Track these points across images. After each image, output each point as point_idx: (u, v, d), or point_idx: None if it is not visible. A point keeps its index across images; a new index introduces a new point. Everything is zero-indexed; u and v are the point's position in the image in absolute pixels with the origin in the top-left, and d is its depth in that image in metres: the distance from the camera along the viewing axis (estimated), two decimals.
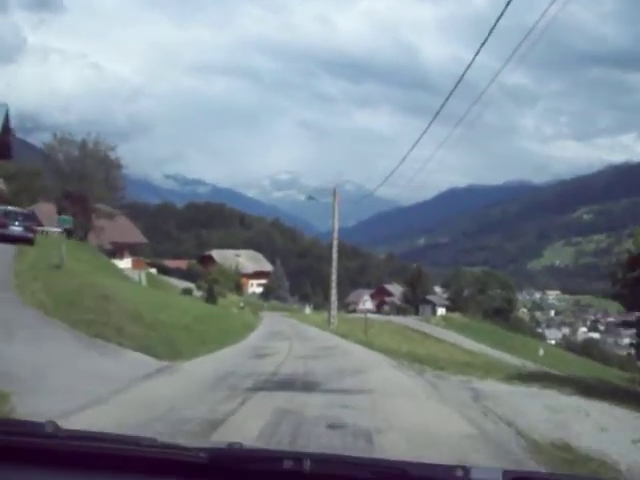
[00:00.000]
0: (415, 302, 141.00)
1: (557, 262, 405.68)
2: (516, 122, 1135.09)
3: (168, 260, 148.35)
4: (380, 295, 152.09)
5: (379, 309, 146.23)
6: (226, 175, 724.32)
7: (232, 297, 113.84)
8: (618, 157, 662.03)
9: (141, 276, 76.70)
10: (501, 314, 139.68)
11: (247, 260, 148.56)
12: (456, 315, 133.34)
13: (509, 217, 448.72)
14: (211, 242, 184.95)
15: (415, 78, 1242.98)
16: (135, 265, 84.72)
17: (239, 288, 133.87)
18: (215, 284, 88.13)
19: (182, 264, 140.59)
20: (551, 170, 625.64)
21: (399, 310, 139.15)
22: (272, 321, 68.42)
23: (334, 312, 61.61)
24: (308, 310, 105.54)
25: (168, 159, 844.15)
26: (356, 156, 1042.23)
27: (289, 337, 40.48)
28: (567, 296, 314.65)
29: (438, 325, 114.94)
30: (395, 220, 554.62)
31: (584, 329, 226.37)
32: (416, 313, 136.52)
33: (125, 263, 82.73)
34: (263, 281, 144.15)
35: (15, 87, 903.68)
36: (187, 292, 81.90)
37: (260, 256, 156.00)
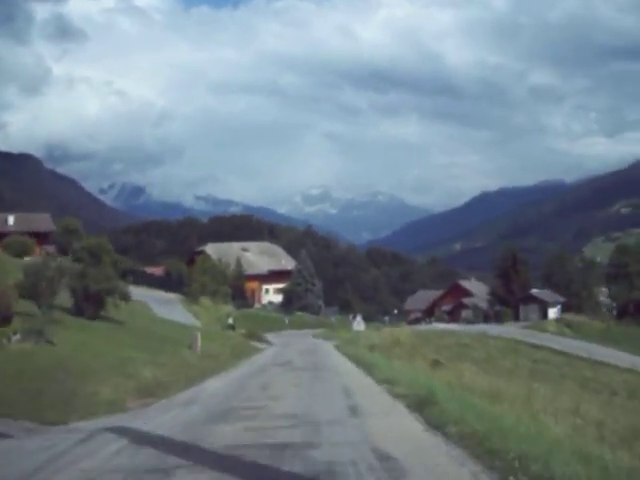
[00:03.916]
0: (512, 302, 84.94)
1: (598, 258, 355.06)
2: (544, 122, 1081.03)
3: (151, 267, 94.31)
4: (455, 296, 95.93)
5: (455, 316, 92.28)
6: (257, 194, 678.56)
7: (225, 308, 61.93)
8: None
9: None
10: None
11: (258, 255, 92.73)
12: (578, 317, 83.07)
13: (545, 217, 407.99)
14: None
15: (440, 84, 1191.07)
16: None
17: (244, 297, 78.90)
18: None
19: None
20: (583, 168, 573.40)
21: (486, 315, 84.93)
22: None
23: None
24: (360, 324, 48.66)
25: (198, 181, 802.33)
26: (386, 166, 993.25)
27: None
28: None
29: (563, 335, 71.49)
30: (429, 228, 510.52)
31: None
32: (515, 318, 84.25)
33: None
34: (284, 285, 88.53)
35: (42, 118, 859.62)
36: None
37: (279, 250, 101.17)
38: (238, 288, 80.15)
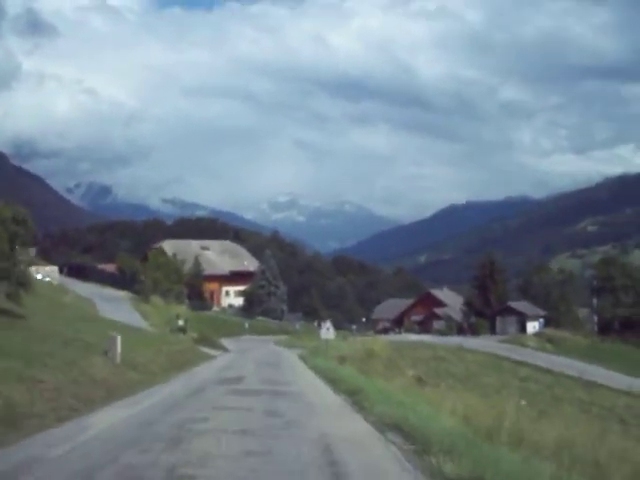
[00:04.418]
0: (489, 314, 78.70)
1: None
2: (514, 137, 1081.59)
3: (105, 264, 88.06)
4: (426, 306, 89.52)
5: (426, 326, 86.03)
6: (224, 198, 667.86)
7: (178, 308, 55.24)
8: (615, 169, 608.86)
9: None
10: (633, 327, 77.39)
11: (219, 255, 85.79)
12: (561, 332, 76.84)
13: (511, 232, 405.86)
14: None
15: (412, 95, 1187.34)
16: None
17: (202, 298, 71.96)
18: None
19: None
20: (550, 184, 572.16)
21: (460, 327, 78.80)
22: None
23: None
24: (329, 331, 40.02)
25: (165, 183, 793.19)
26: (355, 176, 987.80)
27: None
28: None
29: (545, 350, 66.22)
30: (395, 239, 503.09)
31: None
32: (492, 330, 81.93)
33: None
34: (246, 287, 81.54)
35: (11, 114, 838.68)
36: None
37: (242, 250, 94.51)
38: (195, 288, 73.08)
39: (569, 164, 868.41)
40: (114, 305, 54.76)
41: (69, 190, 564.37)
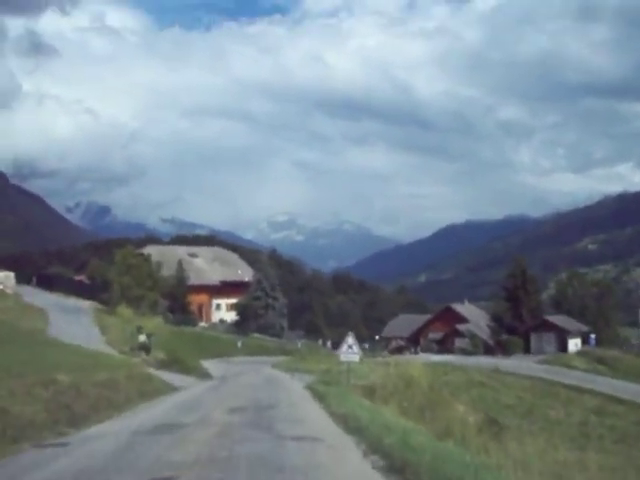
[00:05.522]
0: (521, 330, 66.00)
1: None
2: (512, 156, 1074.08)
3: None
4: (446, 322, 76.51)
5: (446, 345, 73.60)
6: (224, 218, 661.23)
7: (151, 321, 42.26)
8: (615, 188, 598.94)
9: None
10: None
11: (209, 262, 73.26)
12: (609, 351, 65.75)
13: (512, 250, 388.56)
14: None
15: (410, 114, 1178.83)
16: None
17: (188, 311, 59.34)
18: None
19: None
20: (549, 203, 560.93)
21: (487, 347, 65.83)
22: None
23: None
24: (353, 350, 26.28)
25: (165, 203, 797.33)
26: (353, 195, 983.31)
27: None
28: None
29: (598, 373, 55.11)
30: (395, 258, 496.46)
31: None
32: (526, 349, 69.50)
33: None
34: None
35: (11, 133, 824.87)
36: None
37: (235, 257, 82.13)
38: (179, 300, 60.68)
39: (569, 183, 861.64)
40: (71, 317, 44.30)
41: (69, 209, 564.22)
